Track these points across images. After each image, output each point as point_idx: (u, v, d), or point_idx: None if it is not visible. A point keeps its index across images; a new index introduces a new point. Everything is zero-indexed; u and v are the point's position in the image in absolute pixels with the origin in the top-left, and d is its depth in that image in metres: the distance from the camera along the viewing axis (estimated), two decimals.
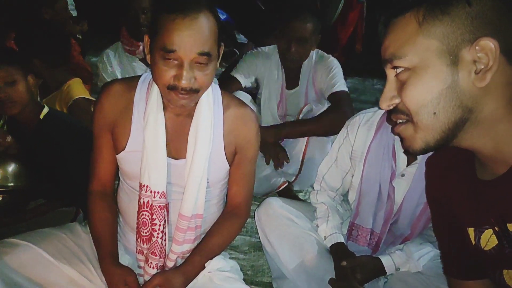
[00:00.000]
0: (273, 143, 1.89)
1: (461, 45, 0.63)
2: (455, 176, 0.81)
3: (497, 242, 0.72)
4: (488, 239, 0.73)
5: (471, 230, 0.77)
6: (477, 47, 0.62)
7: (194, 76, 0.99)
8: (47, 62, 1.96)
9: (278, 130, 1.89)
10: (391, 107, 0.71)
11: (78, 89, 1.98)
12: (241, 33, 4.24)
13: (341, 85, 1.96)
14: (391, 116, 0.74)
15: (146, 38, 1.05)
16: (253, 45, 2.95)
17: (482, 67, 0.63)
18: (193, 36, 0.95)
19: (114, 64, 2.27)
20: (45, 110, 1.53)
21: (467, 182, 0.77)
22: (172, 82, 0.98)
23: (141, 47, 2.24)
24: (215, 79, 2.34)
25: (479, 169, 0.75)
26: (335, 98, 1.93)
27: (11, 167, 1.54)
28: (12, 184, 1.52)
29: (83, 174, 1.22)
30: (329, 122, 1.80)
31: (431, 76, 0.65)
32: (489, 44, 0.61)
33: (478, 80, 0.63)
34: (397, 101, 0.70)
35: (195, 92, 1.01)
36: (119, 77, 2.25)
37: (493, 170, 0.71)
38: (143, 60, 2.29)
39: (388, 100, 0.71)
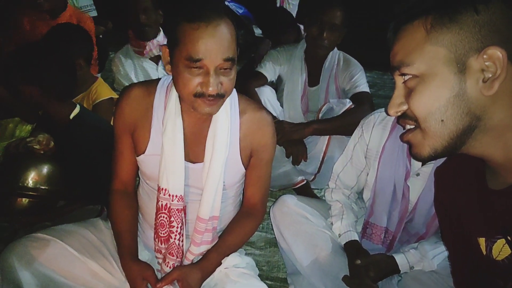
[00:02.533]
0: (297, 139, 1.92)
1: (469, 53, 0.63)
2: (464, 186, 0.80)
3: (510, 252, 0.71)
4: (501, 249, 0.72)
5: (482, 240, 0.76)
6: (484, 56, 0.62)
7: (220, 81, 1.00)
8: (87, 61, 2.00)
9: (304, 128, 1.91)
10: (399, 114, 0.72)
11: (105, 90, 2.02)
12: (259, 27, 4.23)
13: (364, 87, 2.01)
14: (399, 121, 0.74)
15: (164, 48, 1.06)
16: (269, 42, 2.96)
17: (490, 75, 0.62)
18: (218, 43, 0.96)
19: (126, 66, 2.32)
20: (77, 109, 1.58)
21: (477, 191, 0.76)
22: (199, 90, 0.99)
23: (147, 47, 2.28)
24: None
25: (490, 178, 0.74)
26: (359, 98, 1.96)
27: (46, 169, 1.58)
28: (45, 187, 1.57)
29: (108, 173, 1.26)
30: (354, 121, 1.80)
31: (439, 84, 0.65)
32: (497, 53, 0.61)
33: (485, 89, 0.63)
34: (404, 107, 0.71)
35: (221, 97, 1.02)
36: (133, 77, 2.30)
37: (504, 179, 0.70)
38: (153, 58, 2.33)
39: (396, 106, 0.71)
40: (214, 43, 0.96)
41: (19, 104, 1.70)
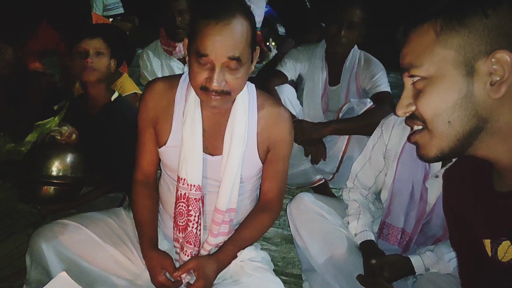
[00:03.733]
0: (316, 139, 1.93)
1: (477, 56, 0.64)
2: (472, 188, 0.80)
3: None
4: (506, 251, 0.73)
5: (487, 242, 0.77)
6: (493, 59, 0.63)
7: (225, 79, 1.03)
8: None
9: (323, 127, 1.92)
10: (407, 114, 0.73)
11: (129, 85, 2.09)
12: (283, 26, 4.24)
13: (385, 86, 1.99)
14: (407, 122, 0.75)
15: (186, 40, 1.11)
16: (292, 41, 2.97)
17: (498, 78, 0.63)
18: (223, 41, 0.99)
19: (153, 62, 2.37)
20: (116, 94, 1.69)
21: (484, 193, 0.76)
22: (204, 84, 1.04)
23: (177, 48, 2.33)
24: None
25: (497, 180, 0.74)
26: (379, 97, 1.95)
27: (69, 158, 1.66)
28: (70, 175, 1.65)
29: (133, 160, 1.31)
30: (374, 121, 1.79)
31: (447, 86, 0.66)
32: (505, 56, 0.62)
33: (493, 92, 0.64)
34: (413, 108, 0.71)
35: (226, 94, 1.06)
36: (158, 74, 2.34)
37: (510, 181, 0.70)
38: (181, 59, 2.37)
39: (404, 107, 0.72)
40: (220, 41, 0.99)
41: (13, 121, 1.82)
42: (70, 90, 2.24)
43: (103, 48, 1.61)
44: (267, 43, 3.66)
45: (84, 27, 1.74)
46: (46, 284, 0.82)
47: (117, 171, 1.60)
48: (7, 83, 1.92)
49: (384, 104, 1.89)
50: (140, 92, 2.13)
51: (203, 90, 1.05)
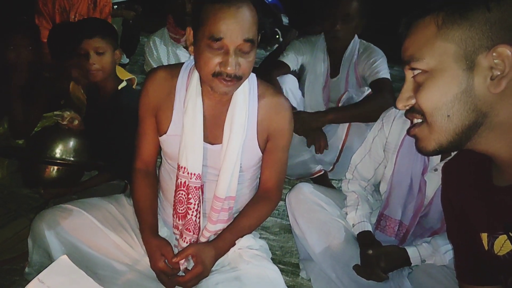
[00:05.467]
0: (316, 128, 1.93)
1: (478, 50, 0.63)
2: (470, 182, 0.81)
3: (511, 247, 0.72)
4: (502, 245, 0.73)
5: (484, 236, 0.77)
6: (494, 54, 0.62)
7: (239, 62, 1.03)
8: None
9: (323, 116, 1.92)
10: (407, 107, 0.73)
11: (121, 73, 2.09)
12: (287, 16, 4.22)
13: (384, 73, 1.97)
14: (407, 115, 0.75)
15: (188, 30, 1.11)
16: (296, 32, 2.95)
17: (498, 73, 0.63)
18: (239, 23, 1.00)
19: (160, 50, 2.36)
20: (124, 83, 1.70)
21: (482, 187, 0.77)
22: (218, 70, 1.03)
23: (185, 36, 2.32)
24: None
25: (496, 175, 0.75)
26: (378, 84, 1.94)
27: (72, 142, 1.69)
28: (72, 158, 1.68)
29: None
30: (372, 108, 1.80)
31: (447, 79, 0.66)
32: (506, 51, 0.61)
33: (493, 86, 0.63)
34: (413, 101, 0.72)
35: (238, 79, 1.06)
36: (164, 62, 2.33)
37: (509, 176, 0.70)
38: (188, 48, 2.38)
39: (404, 100, 0.72)
40: (235, 24, 1.00)
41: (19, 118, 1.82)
42: (66, 85, 2.25)
43: (103, 45, 1.59)
44: (277, 36, 3.63)
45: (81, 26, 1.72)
46: (47, 267, 0.84)
47: (121, 159, 1.61)
48: (20, 80, 1.89)
49: (383, 91, 1.87)
50: (132, 76, 2.13)
51: (216, 76, 1.05)
